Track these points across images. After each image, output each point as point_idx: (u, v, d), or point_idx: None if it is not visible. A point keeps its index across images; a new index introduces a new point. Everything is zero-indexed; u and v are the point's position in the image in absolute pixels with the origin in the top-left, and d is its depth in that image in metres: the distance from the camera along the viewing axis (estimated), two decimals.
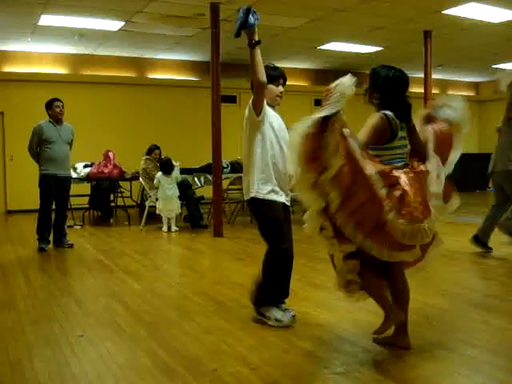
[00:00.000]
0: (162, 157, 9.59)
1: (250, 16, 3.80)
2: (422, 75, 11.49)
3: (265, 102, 4.03)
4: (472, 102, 17.99)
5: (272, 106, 4.18)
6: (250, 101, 4.03)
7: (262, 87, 3.93)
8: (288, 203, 4.25)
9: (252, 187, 4.09)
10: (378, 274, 3.63)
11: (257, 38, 3.89)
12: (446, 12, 9.32)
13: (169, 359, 3.50)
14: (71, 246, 7.66)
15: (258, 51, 3.90)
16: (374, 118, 3.54)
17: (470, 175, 15.73)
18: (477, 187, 16.43)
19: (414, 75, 15.64)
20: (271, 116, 4.12)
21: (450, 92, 17.45)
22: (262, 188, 4.07)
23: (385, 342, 3.70)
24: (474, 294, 4.67)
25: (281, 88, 4.18)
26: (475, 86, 18.45)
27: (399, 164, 3.50)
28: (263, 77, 3.89)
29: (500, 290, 5.42)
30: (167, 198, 9.13)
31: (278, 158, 4.09)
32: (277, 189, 4.10)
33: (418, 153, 3.65)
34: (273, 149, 4.08)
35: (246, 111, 4.10)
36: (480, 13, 9.35)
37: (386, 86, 3.58)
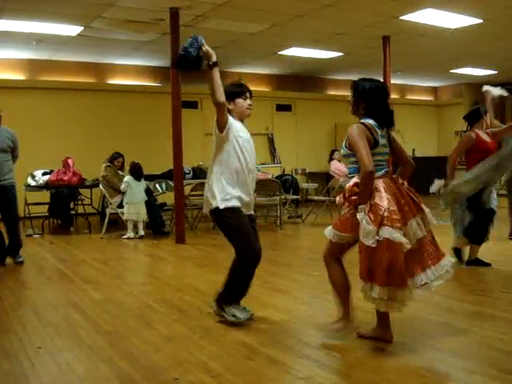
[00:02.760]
0: (134, 161, 9.47)
1: (190, 50, 3.95)
2: (382, 80, 11.61)
3: (230, 118, 4.17)
4: (431, 107, 18.31)
5: (241, 120, 4.32)
6: (215, 117, 4.16)
7: (221, 106, 4.07)
8: (252, 213, 4.40)
9: (214, 198, 4.21)
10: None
11: (215, 59, 4.04)
12: (403, 18, 9.43)
13: (129, 369, 3.45)
14: (21, 263, 7.03)
15: (216, 72, 4.03)
16: (354, 129, 3.72)
17: (429, 178, 15.96)
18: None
19: None
20: (238, 130, 4.23)
21: (409, 97, 17.71)
22: (226, 197, 4.18)
23: (369, 336, 3.83)
24: (434, 297, 4.72)
25: (248, 101, 4.33)
26: (434, 90, 18.73)
27: (381, 172, 3.71)
28: (222, 97, 4.04)
29: (460, 291, 5.50)
30: (136, 203, 9.04)
31: (243, 170, 4.22)
32: (241, 198, 4.21)
33: (400, 158, 3.97)
34: (239, 161, 4.20)
35: (213, 127, 4.22)
36: (437, 19, 9.48)
37: (371, 97, 3.77)
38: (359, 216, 3.56)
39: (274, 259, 6.91)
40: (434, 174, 16.65)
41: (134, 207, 9.04)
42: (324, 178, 14.34)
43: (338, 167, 12.96)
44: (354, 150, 3.64)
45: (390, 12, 9.17)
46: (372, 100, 3.76)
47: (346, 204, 3.73)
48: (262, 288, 5.42)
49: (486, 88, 6.54)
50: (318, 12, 8.98)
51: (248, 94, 4.33)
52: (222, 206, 4.17)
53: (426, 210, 3.75)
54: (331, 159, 13.26)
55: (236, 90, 4.26)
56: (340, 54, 12.50)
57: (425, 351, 3.70)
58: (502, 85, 18.43)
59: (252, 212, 4.40)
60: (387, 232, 3.47)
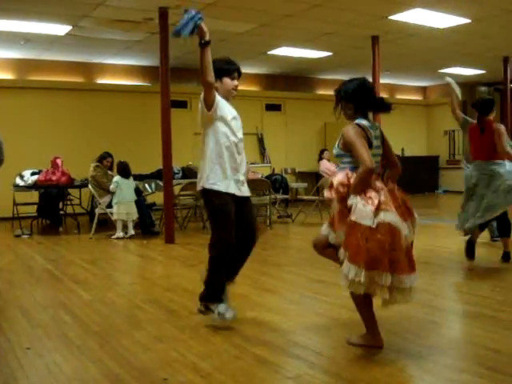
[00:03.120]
0: (121, 160, 9.45)
1: (190, 22, 3.83)
2: (371, 80, 11.63)
3: (217, 96, 4.11)
4: (420, 106, 18.38)
5: (226, 99, 4.25)
6: (201, 95, 4.09)
7: (209, 87, 4.01)
8: (247, 194, 4.32)
9: (204, 178, 4.17)
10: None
11: (207, 38, 3.94)
12: (392, 18, 9.47)
13: (118, 369, 3.44)
14: None
15: (207, 51, 3.94)
16: (350, 130, 3.67)
17: (418, 177, 16.06)
18: (426, 189, 16.73)
19: None
20: (224, 108, 4.18)
21: (399, 96, 17.76)
22: (214, 178, 4.13)
23: (358, 343, 3.74)
24: (421, 295, 4.73)
25: (235, 82, 4.26)
26: (423, 90, 18.80)
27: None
28: (211, 78, 3.97)
29: (447, 289, 5.54)
30: (126, 202, 9.01)
31: (232, 148, 4.18)
32: (231, 180, 4.16)
33: (388, 161, 3.86)
34: (228, 139, 4.16)
35: (199, 105, 4.16)
36: (426, 19, 9.52)
37: (358, 96, 3.74)
38: (352, 201, 3.47)
39: (264, 259, 6.91)
40: (422, 173, 16.73)
41: (123, 207, 9.01)
42: (313, 177, 14.37)
43: (327, 167, 12.98)
44: (352, 149, 3.58)
45: (379, 12, 9.20)
46: (360, 98, 3.73)
47: (334, 195, 3.62)
48: (252, 288, 5.43)
49: (448, 79, 6.54)
50: (306, 12, 8.99)
51: (236, 74, 4.25)
52: (207, 187, 4.14)
53: (416, 216, 3.68)
54: (320, 159, 13.27)
55: (224, 68, 4.16)
56: (329, 53, 12.52)
57: (413, 350, 3.71)
58: (490, 84, 18.60)
59: (246, 194, 4.31)
60: (389, 216, 3.40)
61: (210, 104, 4.07)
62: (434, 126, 18.29)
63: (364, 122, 3.68)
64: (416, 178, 15.56)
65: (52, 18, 9.10)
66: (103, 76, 13.26)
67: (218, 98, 4.12)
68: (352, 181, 3.54)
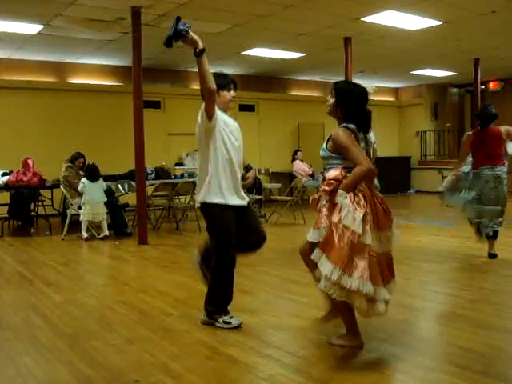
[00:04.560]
0: (90, 163, 9.38)
1: (179, 25, 3.83)
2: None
3: (216, 108, 4.11)
4: (392, 107, 18.54)
5: (224, 111, 4.27)
6: (202, 107, 4.10)
7: (212, 94, 4.01)
8: (246, 201, 4.36)
9: (203, 192, 4.19)
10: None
11: (201, 47, 3.96)
12: (365, 19, 9.53)
13: (89, 372, 3.41)
14: None
15: (204, 59, 3.97)
16: (341, 134, 3.67)
17: (390, 178, 16.16)
18: (398, 190, 16.87)
19: (335, 81, 15.94)
20: (224, 120, 4.21)
21: (371, 97, 17.83)
22: (215, 193, 4.15)
23: (338, 343, 3.78)
24: (394, 294, 4.77)
25: (232, 93, 4.30)
26: (395, 91, 18.98)
27: None
28: (213, 84, 3.97)
29: (420, 288, 5.59)
30: (94, 203, 8.94)
31: (233, 160, 4.20)
32: (232, 191, 4.20)
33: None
34: (228, 152, 4.18)
35: (199, 118, 4.17)
36: (398, 20, 9.61)
37: (352, 102, 3.78)
38: (341, 199, 3.47)
39: (237, 259, 6.89)
40: (394, 173, 16.82)
41: (90, 207, 8.93)
42: (287, 177, 14.41)
43: (300, 167, 13.06)
44: (346, 152, 3.59)
45: (351, 13, 9.25)
46: (353, 105, 3.77)
47: (323, 192, 3.61)
48: None
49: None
50: (280, 12, 9.01)
51: (232, 86, 4.29)
52: (207, 201, 4.16)
53: (395, 223, 3.70)
54: (294, 159, 13.35)
55: (219, 82, 4.16)
56: (302, 54, 12.57)
57: (384, 349, 3.75)
58: (461, 86, 18.83)
59: (244, 202, 4.33)
60: (368, 239, 3.43)
61: (211, 114, 4.07)
62: (405, 127, 18.48)
63: (351, 126, 3.72)
64: (388, 178, 15.65)
65: (23, 17, 8.98)
66: (76, 76, 13.13)
67: (217, 111, 4.12)
68: (345, 180, 3.56)
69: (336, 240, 3.42)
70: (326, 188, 3.58)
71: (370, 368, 3.42)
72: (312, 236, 3.63)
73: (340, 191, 3.50)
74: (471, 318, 4.41)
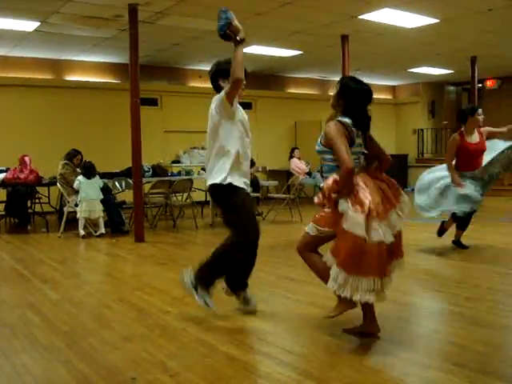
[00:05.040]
0: (86, 160, 9.38)
1: (220, 21, 3.99)
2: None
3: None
4: (389, 105, 18.55)
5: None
6: (223, 92, 4.20)
7: (240, 83, 4.15)
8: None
9: (218, 174, 4.24)
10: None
11: (242, 36, 4.11)
12: (362, 17, 9.53)
13: (86, 370, 3.41)
14: None
15: (241, 49, 4.12)
16: (332, 127, 3.72)
17: (387, 175, 16.17)
18: None
19: (332, 79, 15.96)
20: (238, 109, 4.34)
21: None
22: (231, 175, 4.23)
23: (355, 331, 3.89)
24: (391, 292, 4.78)
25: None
26: (392, 89, 18.99)
27: (356, 169, 3.71)
28: (242, 74, 4.13)
29: (416, 286, 5.60)
30: (89, 200, 8.93)
31: (245, 147, 4.35)
32: (242, 178, 4.32)
33: (378, 158, 3.96)
34: (242, 139, 4.32)
35: (214, 105, 4.26)
36: (395, 18, 9.61)
37: (352, 97, 3.81)
38: (342, 207, 3.54)
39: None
40: (391, 171, 16.87)
41: (86, 205, 8.92)
42: (284, 175, 14.41)
43: (298, 165, 13.06)
44: (333, 147, 3.63)
45: (349, 11, 9.25)
46: (352, 101, 3.79)
47: (326, 202, 3.69)
48: (221, 286, 5.40)
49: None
50: (277, 10, 9.01)
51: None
52: (225, 182, 4.21)
53: (405, 198, 3.80)
54: (291, 157, 13.36)
55: None
56: (300, 52, 12.55)
57: (381, 347, 3.75)
58: (458, 84, 18.84)
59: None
60: (377, 235, 3.51)
61: (233, 99, 4.18)
62: (402, 125, 18.50)
63: (346, 120, 3.73)
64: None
65: (20, 14, 8.96)
66: (72, 73, 13.11)
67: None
68: (337, 185, 3.62)
69: (343, 245, 3.53)
70: (330, 204, 3.68)
71: (367, 366, 3.42)
72: (308, 228, 3.83)
73: (340, 201, 3.58)
74: (467, 316, 4.42)
